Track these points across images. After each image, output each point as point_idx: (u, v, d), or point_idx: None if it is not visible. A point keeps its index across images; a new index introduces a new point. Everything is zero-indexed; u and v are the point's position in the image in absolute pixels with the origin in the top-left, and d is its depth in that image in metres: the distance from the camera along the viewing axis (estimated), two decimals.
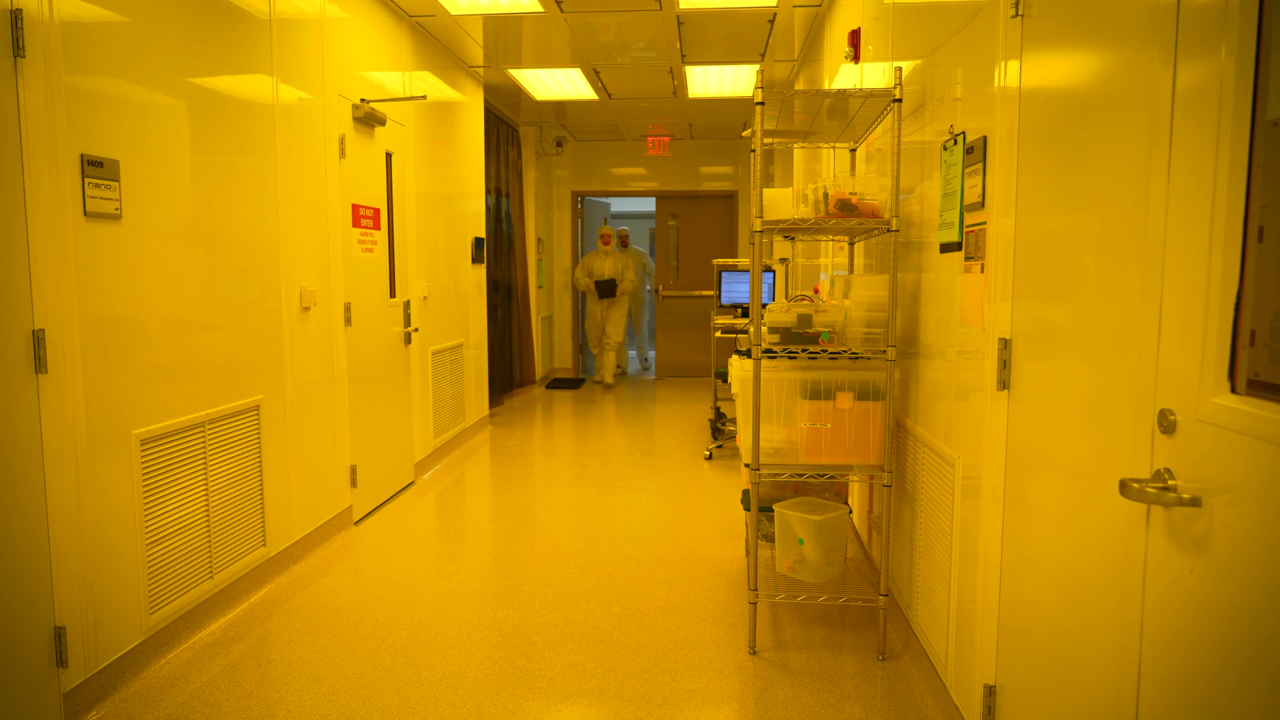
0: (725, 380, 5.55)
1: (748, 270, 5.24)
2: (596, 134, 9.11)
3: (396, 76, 4.81)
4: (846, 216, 2.72)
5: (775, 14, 4.85)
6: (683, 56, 5.82)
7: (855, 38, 3.72)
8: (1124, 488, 1.28)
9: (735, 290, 6.29)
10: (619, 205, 12.08)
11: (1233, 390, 1.15)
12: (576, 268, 9.17)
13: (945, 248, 2.38)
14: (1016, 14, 1.87)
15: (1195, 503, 1.20)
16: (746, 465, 2.82)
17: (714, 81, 6.55)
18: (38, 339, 2.23)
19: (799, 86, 6.12)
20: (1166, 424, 1.26)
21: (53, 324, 2.27)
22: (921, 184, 2.65)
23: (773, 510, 2.99)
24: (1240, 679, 1.11)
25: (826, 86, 4.61)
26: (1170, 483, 1.25)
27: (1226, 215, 1.14)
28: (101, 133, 2.44)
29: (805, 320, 2.79)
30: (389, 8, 4.70)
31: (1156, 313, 1.30)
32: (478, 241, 6.43)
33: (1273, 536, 1.05)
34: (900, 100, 2.63)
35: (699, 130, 8.88)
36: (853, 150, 3.60)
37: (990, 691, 2.05)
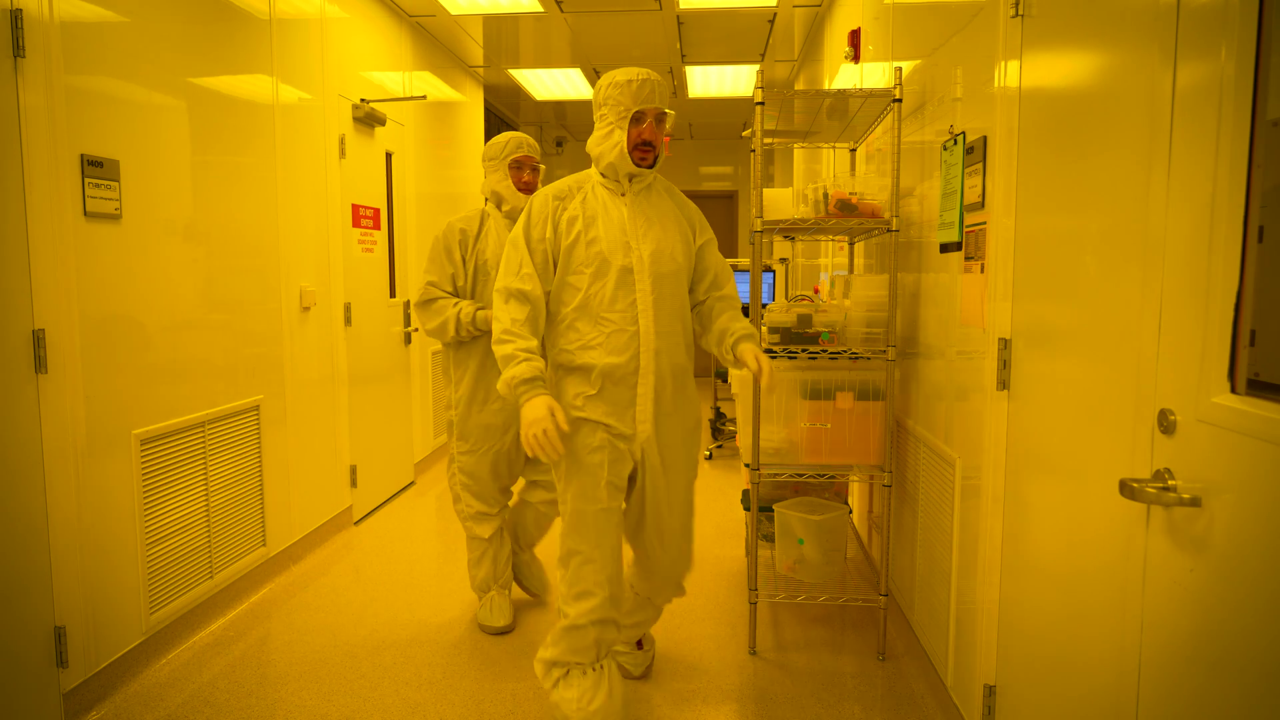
0: (725, 380, 5.55)
1: (748, 270, 5.23)
2: None
3: (396, 76, 4.81)
4: (846, 216, 2.72)
5: (775, 14, 4.85)
6: (683, 56, 5.82)
7: (855, 38, 3.72)
8: (1124, 488, 1.28)
9: None
10: None
11: (1233, 390, 1.15)
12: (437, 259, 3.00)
13: (945, 248, 2.38)
14: (1016, 14, 1.87)
15: (1195, 503, 1.20)
16: (746, 465, 2.81)
17: (714, 81, 6.55)
18: (38, 339, 2.23)
19: (799, 86, 6.11)
20: (1166, 424, 1.26)
21: (53, 324, 2.27)
22: (921, 184, 2.65)
23: (773, 510, 2.99)
24: (1240, 679, 1.11)
25: (826, 86, 4.61)
26: (1170, 483, 1.25)
27: (1227, 215, 1.14)
28: (101, 133, 2.44)
29: (805, 320, 2.79)
30: (389, 8, 4.70)
31: (1156, 312, 1.30)
32: None
33: (1273, 537, 1.05)
34: (900, 100, 2.63)
35: (699, 130, 8.88)
36: (853, 150, 3.60)
37: (990, 691, 2.05)
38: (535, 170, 3.00)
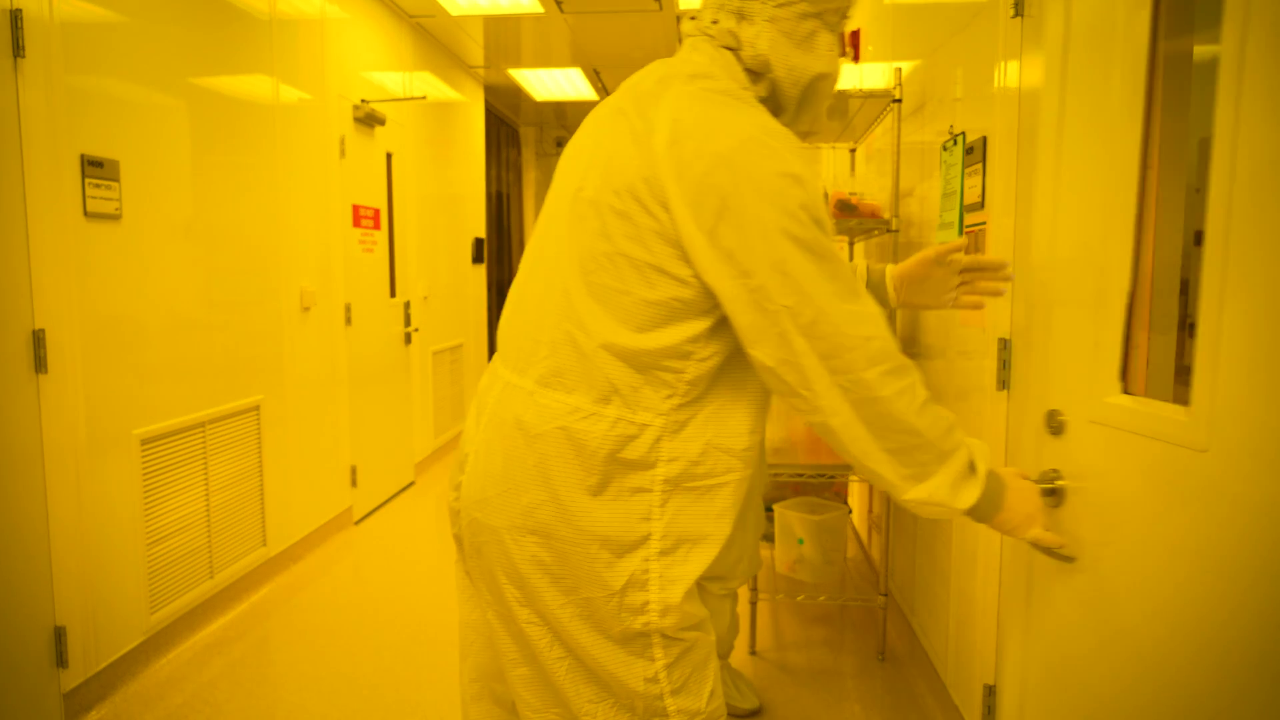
0: None
1: None
2: None
3: (397, 77, 4.81)
4: (846, 216, 2.72)
5: None
6: None
7: (855, 38, 3.72)
8: None
9: None
10: None
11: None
12: None
13: None
14: (1016, 14, 1.87)
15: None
16: None
17: None
18: (38, 339, 2.23)
19: None
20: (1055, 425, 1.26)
21: (53, 324, 2.27)
22: (921, 184, 2.65)
23: (772, 510, 2.99)
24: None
25: None
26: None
27: (1120, 217, 1.13)
28: (101, 133, 2.44)
29: None
30: (389, 8, 4.70)
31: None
32: (478, 241, 6.43)
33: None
34: (900, 100, 2.63)
35: None
36: (853, 150, 3.60)
37: (990, 691, 2.05)
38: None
